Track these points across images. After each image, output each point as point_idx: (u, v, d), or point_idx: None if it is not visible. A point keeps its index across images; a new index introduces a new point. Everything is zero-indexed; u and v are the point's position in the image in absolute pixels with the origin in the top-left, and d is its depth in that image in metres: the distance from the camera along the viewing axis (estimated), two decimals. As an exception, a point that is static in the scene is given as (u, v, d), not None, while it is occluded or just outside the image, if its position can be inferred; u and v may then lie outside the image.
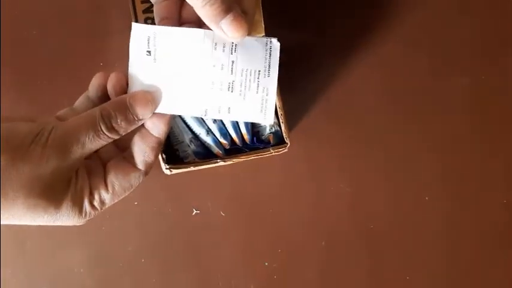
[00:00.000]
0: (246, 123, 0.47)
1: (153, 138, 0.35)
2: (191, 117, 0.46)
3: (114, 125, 0.33)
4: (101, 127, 0.32)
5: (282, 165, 0.54)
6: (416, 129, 0.54)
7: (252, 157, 0.46)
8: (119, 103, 0.33)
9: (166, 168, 0.44)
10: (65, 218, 0.32)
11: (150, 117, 0.34)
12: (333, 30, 0.54)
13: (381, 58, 0.54)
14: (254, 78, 0.35)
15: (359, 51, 0.54)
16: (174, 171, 0.45)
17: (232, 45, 0.35)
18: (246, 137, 0.47)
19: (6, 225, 0.38)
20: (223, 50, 0.35)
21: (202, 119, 0.46)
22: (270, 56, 0.35)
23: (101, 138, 0.32)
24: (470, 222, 0.54)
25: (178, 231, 0.55)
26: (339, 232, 0.55)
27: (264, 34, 0.44)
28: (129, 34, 0.35)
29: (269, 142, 0.47)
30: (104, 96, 0.36)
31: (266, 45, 0.35)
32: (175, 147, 0.47)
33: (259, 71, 0.35)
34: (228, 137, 0.47)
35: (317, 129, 0.54)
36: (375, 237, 0.55)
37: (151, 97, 0.34)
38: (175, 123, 0.46)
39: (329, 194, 0.55)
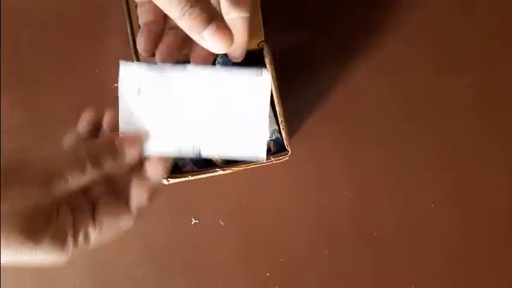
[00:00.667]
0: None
1: (151, 184, 0.34)
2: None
3: (101, 162, 0.31)
4: (86, 164, 0.31)
5: (283, 172, 0.53)
6: (418, 131, 0.54)
7: (252, 166, 0.44)
8: (108, 142, 0.32)
9: (164, 178, 0.43)
10: (44, 255, 0.30)
11: (151, 162, 0.33)
12: (334, 31, 0.53)
13: (383, 59, 0.53)
14: (246, 113, 0.34)
15: (360, 53, 0.53)
16: (172, 180, 0.43)
17: (222, 81, 0.33)
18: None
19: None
20: (213, 86, 0.33)
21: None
22: (260, 89, 0.34)
23: (85, 176, 0.31)
24: (476, 229, 0.54)
25: (177, 241, 0.54)
26: (341, 240, 0.54)
27: (263, 39, 0.43)
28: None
29: (269, 150, 0.46)
30: (94, 131, 0.35)
31: (257, 77, 0.34)
32: (172, 156, 0.45)
33: (250, 105, 0.34)
34: (228, 145, 0.45)
35: (319, 132, 0.53)
36: (379, 245, 0.54)
37: (140, 138, 0.33)
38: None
39: (331, 201, 0.54)
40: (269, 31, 0.42)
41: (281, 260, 0.54)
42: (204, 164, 0.46)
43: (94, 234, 0.32)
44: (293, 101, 0.51)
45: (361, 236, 0.54)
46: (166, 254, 0.54)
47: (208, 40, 0.30)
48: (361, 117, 0.54)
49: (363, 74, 0.53)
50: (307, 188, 0.54)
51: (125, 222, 0.33)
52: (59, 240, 0.31)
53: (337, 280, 0.54)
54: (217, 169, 0.44)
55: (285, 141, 0.44)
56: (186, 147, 0.34)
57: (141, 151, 0.33)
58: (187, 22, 0.29)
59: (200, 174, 0.44)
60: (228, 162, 0.46)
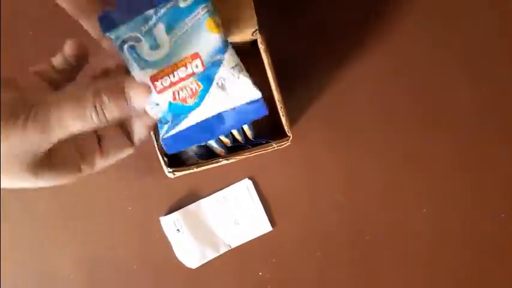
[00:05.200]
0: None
1: (151, 119, 0.33)
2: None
3: (106, 115, 0.30)
4: (91, 114, 0.29)
5: (278, 173, 0.53)
6: (412, 140, 0.54)
7: (255, 153, 0.44)
8: (116, 92, 0.30)
9: (169, 172, 0.41)
10: (46, 184, 0.30)
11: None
12: (330, 39, 0.53)
13: (374, 67, 0.53)
14: (248, 212, 0.53)
15: (357, 58, 0.53)
16: (177, 173, 0.42)
17: (225, 197, 0.53)
18: (249, 132, 0.45)
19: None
20: (229, 204, 0.53)
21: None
22: (249, 192, 0.53)
23: (87, 124, 0.29)
24: (468, 234, 0.54)
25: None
26: (334, 243, 0.53)
27: (257, 28, 0.43)
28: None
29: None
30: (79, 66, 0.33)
31: (245, 186, 0.53)
32: (175, 150, 0.43)
33: (247, 204, 0.53)
34: (230, 135, 0.45)
35: (312, 136, 0.53)
36: (371, 248, 0.54)
37: (148, 87, 0.32)
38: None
39: (324, 204, 0.53)
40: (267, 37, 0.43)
41: (274, 260, 0.53)
42: (207, 155, 0.45)
43: (99, 162, 0.32)
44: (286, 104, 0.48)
45: (353, 239, 0.54)
46: (161, 250, 0.52)
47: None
48: (355, 122, 0.53)
49: (358, 79, 0.53)
50: (300, 191, 0.53)
51: (128, 152, 0.33)
52: (62, 172, 0.31)
53: (329, 282, 0.54)
54: (221, 159, 0.43)
55: (285, 127, 0.45)
56: (220, 247, 0.53)
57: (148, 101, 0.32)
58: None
59: (204, 166, 0.43)
60: (231, 152, 0.45)
